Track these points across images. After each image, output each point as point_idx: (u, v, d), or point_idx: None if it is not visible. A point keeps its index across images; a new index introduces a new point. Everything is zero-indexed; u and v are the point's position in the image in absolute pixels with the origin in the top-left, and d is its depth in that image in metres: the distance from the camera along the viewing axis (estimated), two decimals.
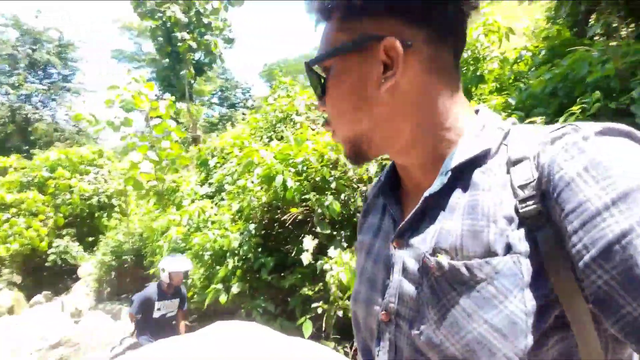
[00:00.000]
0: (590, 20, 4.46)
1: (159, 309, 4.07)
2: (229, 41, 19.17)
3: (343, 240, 4.30)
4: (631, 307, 0.41)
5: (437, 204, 0.55)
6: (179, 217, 6.13)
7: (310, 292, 4.11)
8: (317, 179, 4.11)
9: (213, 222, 5.42)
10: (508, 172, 0.52)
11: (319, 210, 4.00)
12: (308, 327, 3.91)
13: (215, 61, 19.71)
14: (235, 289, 4.43)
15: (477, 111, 0.61)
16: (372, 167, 4.22)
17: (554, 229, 0.46)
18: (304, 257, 3.86)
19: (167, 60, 18.47)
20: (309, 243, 3.91)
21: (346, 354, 4.04)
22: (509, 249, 0.47)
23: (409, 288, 0.55)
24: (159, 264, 4.22)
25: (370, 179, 4.40)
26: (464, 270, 0.48)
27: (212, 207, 5.87)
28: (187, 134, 14.25)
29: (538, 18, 6.62)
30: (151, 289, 4.12)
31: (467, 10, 0.56)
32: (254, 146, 5.94)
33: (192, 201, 6.40)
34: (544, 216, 0.47)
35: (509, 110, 3.63)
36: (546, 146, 0.49)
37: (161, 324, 4.11)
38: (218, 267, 4.70)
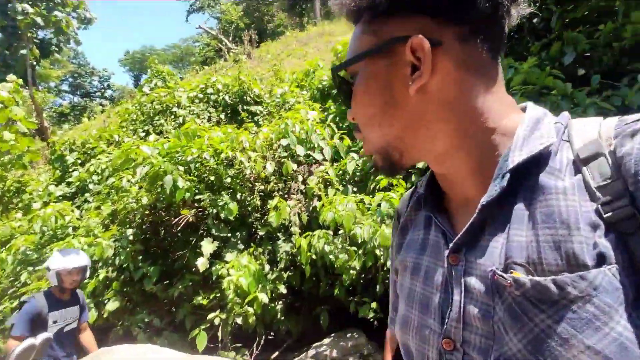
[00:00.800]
0: None
1: (55, 322, 3.17)
2: (85, 21, 16.73)
3: (239, 242, 4.04)
4: None
5: (496, 212, 0.50)
6: (27, 223, 5.03)
7: (204, 301, 3.75)
8: (212, 178, 3.77)
9: (76, 229, 4.56)
10: (577, 171, 0.46)
11: (214, 211, 3.67)
12: (202, 339, 3.57)
13: (67, 43, 17.01)
14: (110, 305, 3.79)
15: (523, 109, 0.56)
16: (270, 166, 4.06)
17: None
18: (200, 262, 3.49)
19: (1, 35, 15.26)
20: (207, 247, 3.55)
21: None
22: (601, 259, 0.41)
23: (476, 310, 0.48)
24: (46, 262, 3.29)
25: (267, 178, 4.23)
26: (552, 287, 0.41)
27: (73, 211, 4.95)
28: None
29: None
30: (38, 300, 3.10)
31: (503, 2, 0.50)
32: (128, 141, 5.22)
33: (45, 204, 5.29)
34: (636, 220, 0.41)
35: None
36: (625, 140, 0.44)
37: (60, 339, 3.24)
38: (87, 280, 3.96)
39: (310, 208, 3.94)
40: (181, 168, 3.80)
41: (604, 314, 0.39)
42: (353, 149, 4.33)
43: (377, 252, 3.15)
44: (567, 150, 0.48)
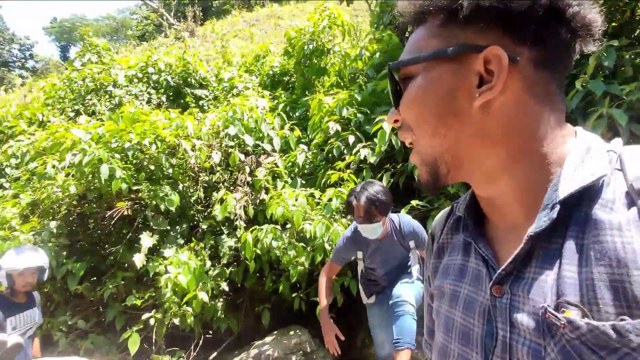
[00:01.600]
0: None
1: (14, 327, 2.73)
2: None
3: (179, 236, 3.77)
4: None
5: (545, 244, 0.47)
6: None
7: (138, 301, 3.45)
8: (152, 167, 3.46)
9: None
10: (632, 204, 0.43)
11: (153, 203, 3.38)
12: (135, 341, 3.29)
13: None
14: None
15: (573, 133, 0.54)
16: (216, 155, 3.81)
17: None
18: (137, 258, 3.20)
19: None
20: (146, 241, 3.25)
21: None
22: None
23: (525, 348, 0.46)
24: None
25: (212, 168, 3.98)
26: (611, 333, 0.39)
27: None
28: None
29: (359, 21, 7.22)
30: None
31: (582, 36, 0.50)
32: (54, 121, 4.69)
33: None
34: None
35: (356, 106, 3.77)
36: None
37: (25, 349, 2.81)
38: None
39: (257, 201, 3.77)
40: (118, 155, 3.45)
41: None
42: (303, 140, 4.20)
43: (327, 246, 3.07)
44: (620, 180, 0.46)
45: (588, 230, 0.44)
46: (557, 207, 0.45)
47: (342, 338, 2.47)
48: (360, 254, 2.61)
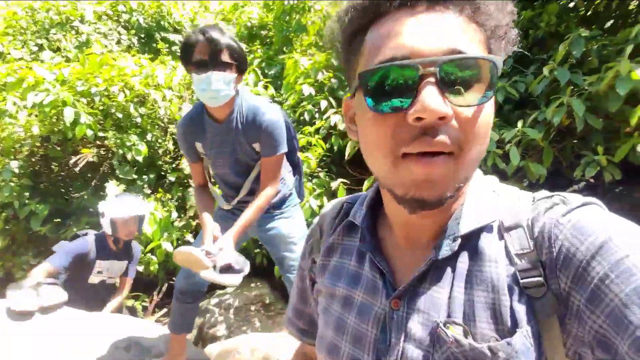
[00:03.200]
0: None
1: (99, 272, 2.72)
2: None
3: (146, 186, 3.79)
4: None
5: (439, 265, 0.55)
6: None
7: None
8: (119, 115, 3.40)
9: None
10: (501, 237, 0.53)
11: (120, 152, 3.36)
12: None
13: None
14: None
15: None
16: (186, 107, 3.77)
17: (553, 298, 0.48)
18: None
19: None
20: (112, 189, 3.27)
21: (145, 308, 3.74)
22: (516, 322, 0.48)
23: (415, 354, 0.53)
24: (99, 206, 2.71)
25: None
26: (487, 352, 0.48)
27: None
28: None
29: None
30: (88, 241, 2.64)
31: None
32: (15, 55, 4.45)
33: None
34: (545, 287, 0.48)
35: (331, 70, 3.76)
36: (539, 216, 0.52)
37: (96, 292, 2.79)
38: None
39: None
40: (84, 100, 3.36)
41: None
42: (277, 99, 4.18)
43: None
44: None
45: (475, 259, 0.53)
46: (459, 241, 0.53)
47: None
48: (200, 146, 1.88)
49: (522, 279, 0.49)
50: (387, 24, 0.49)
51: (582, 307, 0.45)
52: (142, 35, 5.33)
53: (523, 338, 0.47)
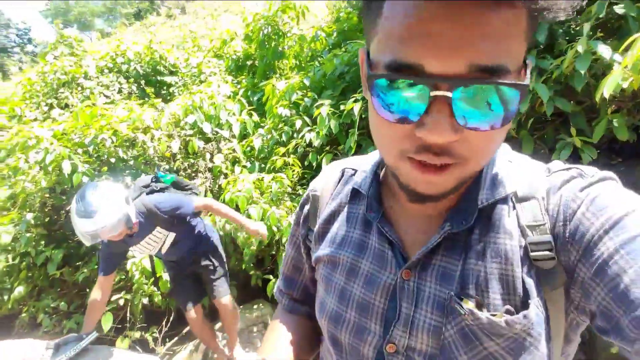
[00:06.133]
0: None
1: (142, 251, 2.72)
2: None
3: None
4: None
5: (452, 237, 0.54)
6: None
7: None
8: (112, 159, 3.67)
9: None
10: (514, 207, 0.53)
11: None
12: (108, 320, 3.61)
13: None
14: (19, 291, 3.73)
15: None
16: (175, 144, 4.01)
17: (562, 270, 0.49)
18: None
19: None
20: None
21: (155, 339, 3.93)
22: (527, 294, 0.49)
23: (426, 324, 0.53)
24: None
25: (174, 156, 4.18)
26: (503, 324, 0.49)
27: None
28: None
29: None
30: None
31: None
32: (30, 116, 4.91)
33: None
34: (555, 260, 0.49)
35: (305, 90, 3.88)
36: (556, 189, 0.51)
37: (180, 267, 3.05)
38: None
39: (217, 186, 3.98)
40: (80, 150, 3.66)
41: (536, 340, 0.49)
42: (262, 124, 4.34)
43: (274, 229, 3.28)
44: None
45: (489, 231, 0.52)
46: (475, 214, 0.52)
47: None
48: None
49: (532, 251, 0.50)
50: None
51: (588, 280, 0.46)
52: (142, 82, 5.71)
53: (536, 308, 0.49)
